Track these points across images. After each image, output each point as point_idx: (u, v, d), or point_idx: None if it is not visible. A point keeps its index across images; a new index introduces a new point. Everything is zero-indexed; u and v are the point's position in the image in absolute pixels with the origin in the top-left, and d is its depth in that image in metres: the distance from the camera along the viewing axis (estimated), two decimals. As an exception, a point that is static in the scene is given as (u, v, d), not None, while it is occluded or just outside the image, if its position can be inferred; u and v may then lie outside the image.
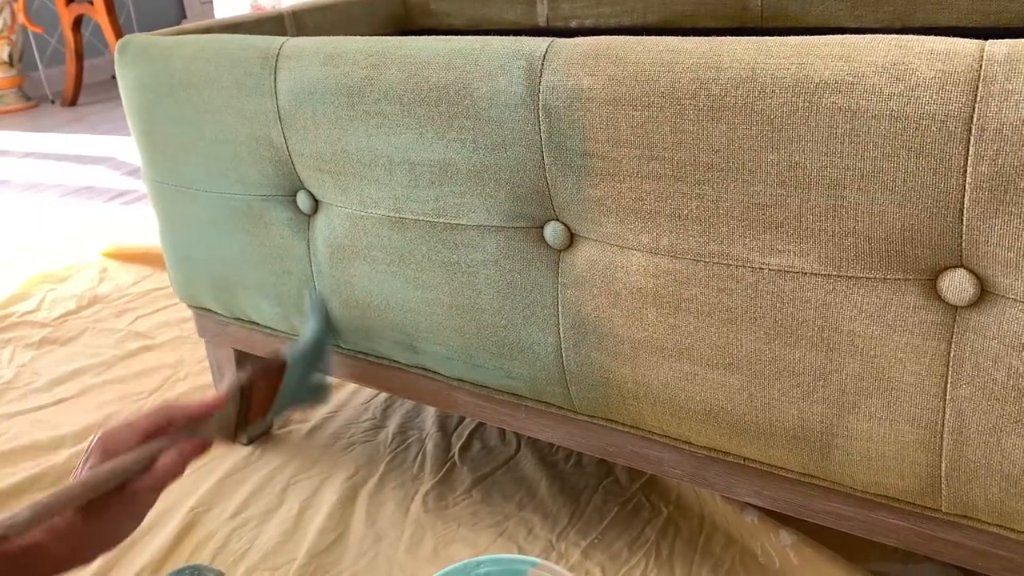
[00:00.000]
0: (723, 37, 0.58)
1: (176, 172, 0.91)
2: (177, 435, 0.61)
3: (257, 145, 0.82)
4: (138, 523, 0.59)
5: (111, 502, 0.57)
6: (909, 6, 0.94)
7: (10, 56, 3.47)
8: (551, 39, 0.65)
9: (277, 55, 0.78)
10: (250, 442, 0.67)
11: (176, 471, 0.60)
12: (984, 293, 0.53)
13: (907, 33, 0.93)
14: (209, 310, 1.01)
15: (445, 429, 1.10)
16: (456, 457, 1.05)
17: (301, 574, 0.88)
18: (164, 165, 0.92)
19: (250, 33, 1.07)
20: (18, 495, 1.04)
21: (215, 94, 0.82)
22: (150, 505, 0.59)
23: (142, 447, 0.59)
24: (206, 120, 0.84)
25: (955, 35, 0.52)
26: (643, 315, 0.65)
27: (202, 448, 0.62)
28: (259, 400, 0.70)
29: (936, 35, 0.52)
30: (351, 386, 1.22)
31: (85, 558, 0.56)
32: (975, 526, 0.61)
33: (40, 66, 3.78)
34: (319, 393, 0.78)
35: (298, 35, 1.13)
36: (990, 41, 0.50)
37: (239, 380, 0.66)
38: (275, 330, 0.95)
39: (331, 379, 0.76)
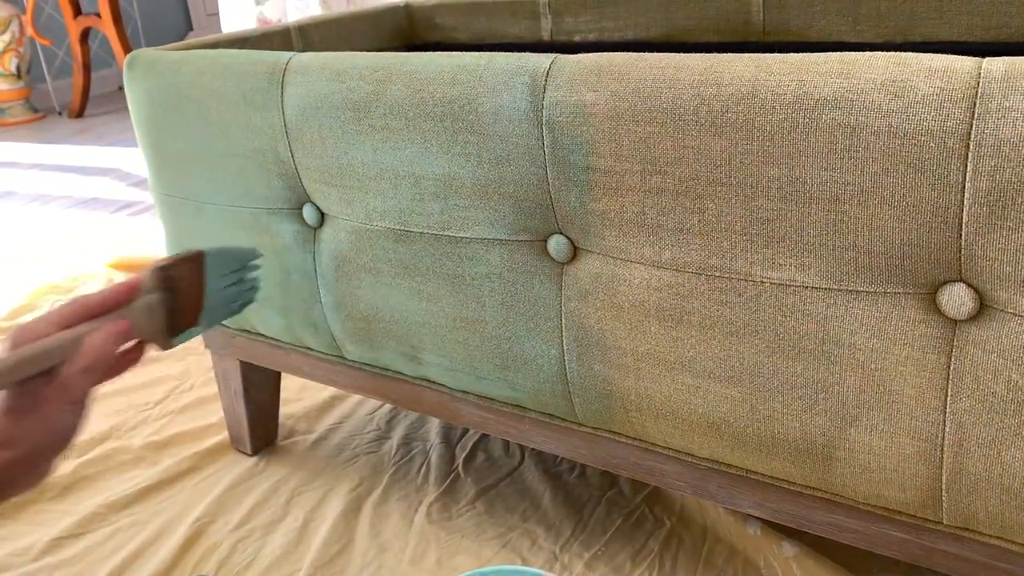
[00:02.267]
0: (724, 54, 0.59)
1: (183, 185, 0.92)
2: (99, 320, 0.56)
3: (264, 159, 0.83)
4: (80, 415, 0.55)
5: (39, 395, 0.53)
6: (910, 21, 0.95)
7: (18, 68, 3.49)
8: (554, 55, 0.65)
9: (284, 70, 0.79)
10: (176, 344, 0.63)
11: (104, 351, 0.54)
12: (983, 307, 0.53)
13: (908, 48, 0.94)
14: (215, 322, 1.02)
15: (449, 441, 1.10)
16: (460, 468, 1.05)
17: (305, 585, 0.88)
18: (171, 178, 0.93)
19: (257, 47, 1.08)
20: (23, 505, 1.04)
21: (222, 108, 0.83)
22: (86, 393, 0.54)
23: (61, 332, 0.54)
24: (213, 134, 0.85)
25: (955, 50, 0.52)
26: (646, 328, 0.66)
27: (129, 329, 0.56)
28: (186, 302, 0.65)
29: (936, 50, 0.53)
30: (355, 397, 1.23)
31: (33, 462, 0.52)
32: (976, 538, 0.61)
33: (48, 78, 3.80)
34: (243, 296, 0.70)
35: (304, 49, 1.14)
36: (987, 59, 0.50)
37: (159, 267, 0.61)
38: (280, 342, 0.96)
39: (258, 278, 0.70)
